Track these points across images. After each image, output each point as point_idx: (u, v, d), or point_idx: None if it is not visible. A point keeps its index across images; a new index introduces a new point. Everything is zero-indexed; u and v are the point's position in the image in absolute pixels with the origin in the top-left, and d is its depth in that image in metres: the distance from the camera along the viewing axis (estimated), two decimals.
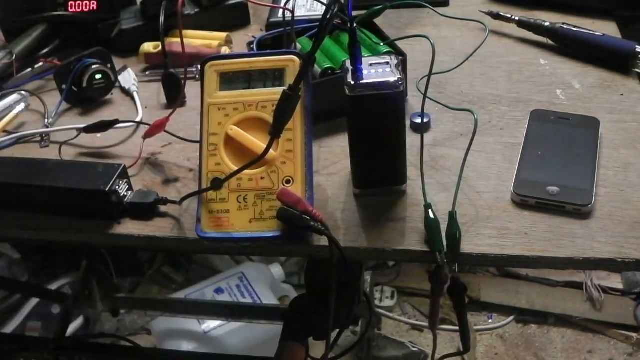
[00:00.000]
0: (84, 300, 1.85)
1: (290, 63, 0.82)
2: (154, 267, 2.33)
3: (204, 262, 2.33)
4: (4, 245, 2.09)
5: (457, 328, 1.97)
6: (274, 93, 0.80)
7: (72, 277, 2.04)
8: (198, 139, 0.85)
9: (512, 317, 2.23)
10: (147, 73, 1.16)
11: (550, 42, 1.12)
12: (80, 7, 1.20)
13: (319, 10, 1.17)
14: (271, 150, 0.77)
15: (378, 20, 1.05)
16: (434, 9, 1.14)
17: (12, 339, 1.79)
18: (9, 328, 1.95)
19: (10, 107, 1.08)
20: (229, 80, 0.84)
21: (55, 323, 1.93)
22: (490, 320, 2.23)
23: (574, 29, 1.09)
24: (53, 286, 2.03)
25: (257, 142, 0.80)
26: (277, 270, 2.21)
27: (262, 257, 2.26)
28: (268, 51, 0.89)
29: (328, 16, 0.70)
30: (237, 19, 1.26)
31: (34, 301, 2.03)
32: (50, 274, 2.06)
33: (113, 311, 1.93)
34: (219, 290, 2.04)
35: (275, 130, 0.75)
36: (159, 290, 2.29)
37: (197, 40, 1.15)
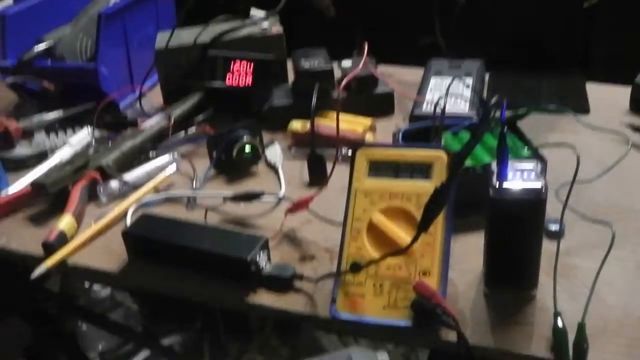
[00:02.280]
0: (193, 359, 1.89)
1: (438, 159, 0.85)
2: (262, 337, 2.36)
3: (311, 339, 2.34)
4: (124, 295, 2.17)
5: None
6: (420, 186, 0.83)
7: (183, 335, 2.09)
8: (337, 220, 0.88)
9: None
10: (292, 151, 1.21)
11: None
12: (237, 81, 1.29)
13: (461, 107, 1.20)
14: None
15: (519, 123, 1.07)
16: (576, 115, 1.15)
17: None
18: None
19: (162, 167, 1.14)
20: (377, 168, 0.87)
21: None
22: None
23: None
24: (165, 341, 2.08)
25: (399, 232, 0.83)
26: (383, 357, 2.18)
27: (368, 342, 2.25)
28: (417, 144, 0.91)
29: (485, 121, 0.73)
30: (382, 107, 1.30)
31: (144, 352, 2.08)
32: (162, 328, 2.11)
33: None
34: None
35: (423, 225, 0.77)
36: None
37: (343, 124, 1.18)
